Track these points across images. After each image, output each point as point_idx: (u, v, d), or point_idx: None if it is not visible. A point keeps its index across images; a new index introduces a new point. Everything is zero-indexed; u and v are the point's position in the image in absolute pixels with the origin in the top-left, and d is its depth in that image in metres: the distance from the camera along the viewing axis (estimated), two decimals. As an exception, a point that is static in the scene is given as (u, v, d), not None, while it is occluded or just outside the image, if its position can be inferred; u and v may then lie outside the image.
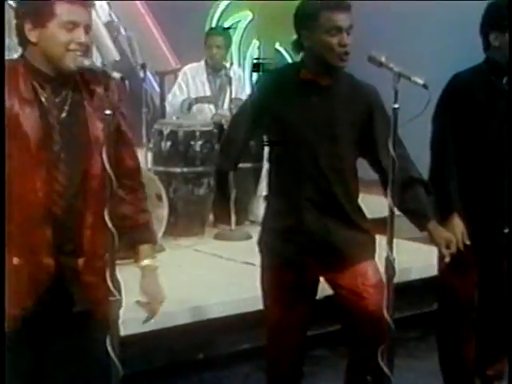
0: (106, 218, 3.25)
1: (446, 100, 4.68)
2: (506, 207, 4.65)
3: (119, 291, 3.42)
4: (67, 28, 3.33)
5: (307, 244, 4.24)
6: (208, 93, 8.17)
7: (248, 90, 8.37)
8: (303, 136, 4.18)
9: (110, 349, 3.31)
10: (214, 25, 10.37)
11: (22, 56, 3.45)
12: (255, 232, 7.34)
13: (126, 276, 3.56)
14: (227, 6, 10.82)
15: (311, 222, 4.23)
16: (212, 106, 8.18)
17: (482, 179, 4.72)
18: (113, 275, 3.32)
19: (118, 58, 9.12)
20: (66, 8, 3.33)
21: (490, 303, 4.95)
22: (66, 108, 3.41)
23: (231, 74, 8.04)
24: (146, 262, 3.61)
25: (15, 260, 3.38)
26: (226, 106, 8.01)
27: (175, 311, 5.57)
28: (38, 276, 3.41)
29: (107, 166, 3.23)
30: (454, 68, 4.86)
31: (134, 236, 3.61)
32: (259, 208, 7.95)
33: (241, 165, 7.28)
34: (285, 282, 4.30)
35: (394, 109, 3.83)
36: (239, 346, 5.96)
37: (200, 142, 7.62)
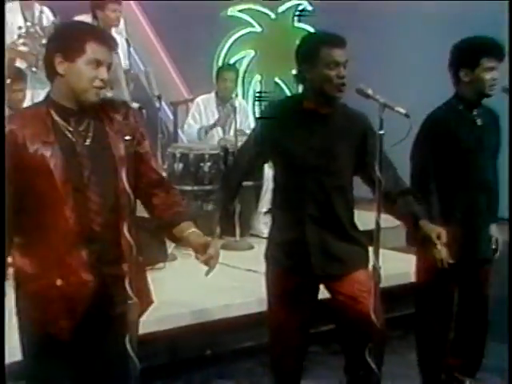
0: (125, 230, 3.32)
1: (424, 136, 4.70)
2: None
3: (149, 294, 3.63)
4: (93, 65, 3.35)
5: (309, 255, 4.25)
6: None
7: (251, 120, 8.39)
8: (307, 159, 4.19)
9: (128, 346, 3.33)
10: (221, 60, 10.40)
11: (47, 96, 3.48)
12: (256, 243, 7.56)
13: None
14: (233, 43, 10.85)
15: (312, 235, 4.24)
16: (220, 131, 8.18)
17: (460, 198, 4.73)
18: (131, 281, 3.35)
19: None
20: (94, 47, 3.36)
21: (466, 308, 4.96)
22: (90, 135, 3.43)
23: (236, 104, 8.07)
24: (192, 229, 3.59)
25: (58, 281, 3.42)
26: (231, 133, 7.96)
27: (187, 312, 5.59)
28: (80, 292, 3.44)
29: (126, 186, 3.31)
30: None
31: (176, 219, 3.60)
32: (260, 222, 8.03)
33: (244, 183, 7.33)
34: (288, 288, 4.31)
35: (380, 134, 3.86)
36: (243, 344, 5.94)
37: (208, 164, 7.71)
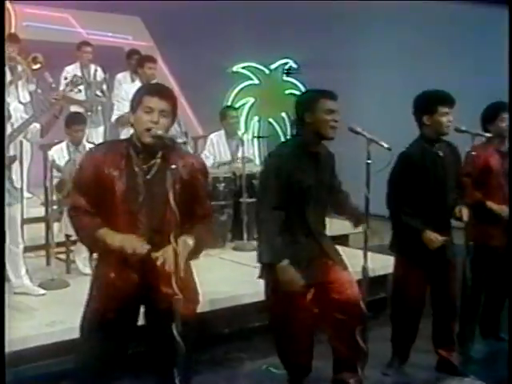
0: (172, 239, 3.22)
1: (398, 168, 4.60)
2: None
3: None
4: (145, 112, 3.32)
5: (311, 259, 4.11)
6: (228, 152, 8.05)
7: (254, 150, 8.21)
8: (310, 189, 4.06)
9: (175, 332, 3.22)
10: (229, 104, 10.22)
11: (131, 135, 3.48)
12: (260, 245, 7.36)
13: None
14: (238, 92, 10.81)
15: (313, 243, 4.12)
16: (230, 158, 8.02)
17: (428, 213, 4.63)
18: (177, 281, 3.24)
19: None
20: (147, 98, 3.33)
21: (439, 299, 4.82)
22: (153, 172, 3.39)
23: (244, 138, 7.94)
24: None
25: (112, 274, 3.41)
26: (239, 160, 7.79)
27: (209, 300, 5.39)
28: (126, 286, 3.41)
29: (173, 204, 3.18)
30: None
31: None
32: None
33: (248, 200, 7.20)
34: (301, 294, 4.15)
35: (368, 163, 3.80)
36: (253, 324, 5.80)
37: (223, 184, 7.53)
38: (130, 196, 3.34)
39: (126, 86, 7.76)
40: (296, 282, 3.91)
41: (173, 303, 3.24)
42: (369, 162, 3.82)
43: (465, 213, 4.63)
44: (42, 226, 6.80)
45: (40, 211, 7.22)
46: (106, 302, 3.43)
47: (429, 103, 4.63)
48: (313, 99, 4.03)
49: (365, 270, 3.88)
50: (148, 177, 3.38)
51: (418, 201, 4.59)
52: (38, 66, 7.59)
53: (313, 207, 4.09)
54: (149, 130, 3.30)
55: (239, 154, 7.77)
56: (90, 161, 3.43)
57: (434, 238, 4.53)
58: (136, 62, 8.11)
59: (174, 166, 3.22)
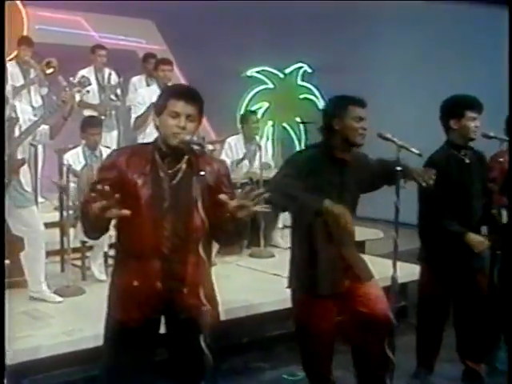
0: (201, 250, 3.09)
1: None
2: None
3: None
4: (172, 116, 3.21)
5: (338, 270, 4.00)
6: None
7: (269, 155, 8.09)
8: (330, 195, 3.88)
9: (203, 344, 3.08)
10: (243, 110, 10.16)
11: (156, 139, 3.35)
12: (276, 252, 7.30)
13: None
14: (252, 97, 10.80)
15: (335, 250, 3.99)
16: (247, 164, 7.87)
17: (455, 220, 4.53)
18: (206, 293, 3.14)
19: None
20: (173, 102, 3.22)
21: (466, 309, 4.72)
22: (178, 177, 3.28)
23: (262, 143, 7.84)
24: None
25: (135, 282, 3.27)
26: (255, 165, 7.72)
27: (228, 309, 5.24)
28: (150, 294, 3.27)
29: (201, 212, 3.06)
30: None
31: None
32: (277, 236, 7.78)
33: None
34: (322, 304, 4.03)
35: (397, 171, 3.71)
36: (272, 333, 5.73)
37: (240, 190, 7.33)
38: (155, 202, 3.23)
39: (143, 90, 7.69)
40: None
41: (200, 314, 3.13)
42: (398, 169, 3.72)
43: (504, 215, 4.59)
44: (55, 231, 6.73)
45: (53, 216, 7.16)
46: (128, 312, 3.30)
47: (457, 107, 4.57)
48: (341, 105, 3.94)
49: (394, 279, 3.78)
50: (173, 182, 3.26)
51: (445, 208, 4.51)
52: (51, 70, 7.54)
53: None
54: (175, 134, 3.20)
55: (256, 159, 7.65)
56: (113, 164, 3.30)
57: (478, 239, 4.46)
58: (151, 65, 8.10)
59: (203, 173, 3.13)
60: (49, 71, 7.61)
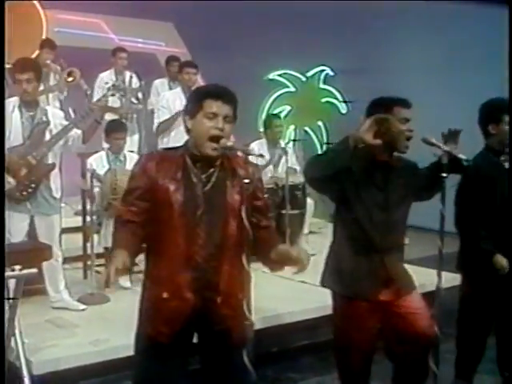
0: (244, 260, 3.01)
1: (465, 183, 4.42)
2: None
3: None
4: (209, 118, 3.05)
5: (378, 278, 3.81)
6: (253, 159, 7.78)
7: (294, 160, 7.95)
8: (379, 201, 3.76)
9: (246, 359, 2.99)
10: (265, 114, 10.03)
11: (186, 143, 3.21)
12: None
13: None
14: (274, 100, 10.64)
15: (377, 259, 3.79)
16: (272, 168, 7.72)
17: (496, 230, 4.39)
18: (249, 305, 3.08)
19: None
20: (209, 103, 3.05)
21: (506, 322, 4.59)
22: (211, 183, 3.12)
23: (288, 148, 7.70)
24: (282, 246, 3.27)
25: (165, 294, 3.10)
26: (279, 170, 7.58)
27: (258, 318, 5.12)
28: (181, 306, 3.10)
29: (245, 221, 2.96)
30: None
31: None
32: (303, 241, 7.64)
33: (291, 211, 6.98)
34: (360, 310, 3.83)
35: (443, 177, 3.58)
36: (301, 342, 5.56)
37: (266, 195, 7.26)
38: (188, 209, 3.07)
39: (167, 94, 7.56)
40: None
41: (236, 326, 3.08)
42: (445, 175, 3.57)
43: None
44: (76, 236, 6.62)
45: (74, 221, 7.07)
46: (158, 326, 3.14)
47: (495, 112, 4.46)
48: (386, 107, 3.75)
49: (439, 290, 3.62)
50: (207, 187, 3.11)
51: (485, 217, 4.36)
52: (71, 78, 7.45)
53: (377, 219, 3.79)
54: (213, 137, 3.04)
55: (281, 164, 7.51)
56: (143, 171, 3.15)
57: (505, 263, 4.31)
58: (174, 68, 8.05)
59: (247, 181, 3.01)
60: (69, 79, 7.53)
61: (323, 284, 3.99)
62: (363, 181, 3.73)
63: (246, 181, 3.01)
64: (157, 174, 3.10)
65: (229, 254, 3.10)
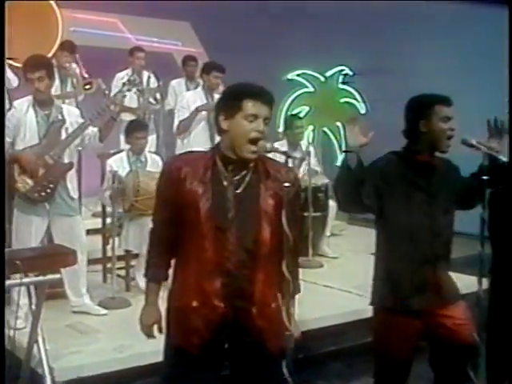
0: (284, 268, 2.82)
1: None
2: None
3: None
4: (249, 120, 2.91)
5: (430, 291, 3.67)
6: (289, 162, 7.66)
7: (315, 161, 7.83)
8: (423, 205, 3.61)
9: (285, 370, 2.98)
10: (283, 114, 9.91)
11: (217, 145, 3.08)
12: (324, 262, 7.05)
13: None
14: (293, 100, 10.53)
15: (428, 273, 3.65)
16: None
17: None
18: (288, 314, 2.93)
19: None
20: (250, 103, 2.92)
21: None
22: (243, 185, 2.98)
23: (311, 149, 7.60)
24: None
25: (194, 303, 2.98)
26: (301, 171, 7.38)
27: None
28: (210, 315, 2.97)
29: (285, 226, 2.80)
30: None
31: None
32: (324, 244, 7.55)
33: (313, 214, 6.87)
34: (408, 322, 3.68)
35: (483, 180, 3.46)
36: (327, 349, 5.43)
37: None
38: (218, 213, 2.94)
39: (188, 94, 7.48)
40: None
41: (279, 340, 2.97)
42: (485, 178, 3.44)
43: None
44: (94, 238, 6.53)
45: (93, 223, 6.98)
46: (187, 337, 3.01)
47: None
48: (427, 104, 3.63)
49: (479, 298, 3.49)
50: (238, 191, 2.98)
51: None
52: (89, 86, 7.41)
53: (424, 224, 3.63)
54: (254, 140, 2.90)
55: (302, 166, 7.40)
56: (170, 177, 3.04)
57: None
58: (191, 68, 7.93)
59: (287, 184, 2.87)
60: (87, 87, 7.48)
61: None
62: (404, 185, 3.61)
63: (287, 184, 2.88)
64: (184, 177, 2.97)
65: (263, 261, 2.97)
